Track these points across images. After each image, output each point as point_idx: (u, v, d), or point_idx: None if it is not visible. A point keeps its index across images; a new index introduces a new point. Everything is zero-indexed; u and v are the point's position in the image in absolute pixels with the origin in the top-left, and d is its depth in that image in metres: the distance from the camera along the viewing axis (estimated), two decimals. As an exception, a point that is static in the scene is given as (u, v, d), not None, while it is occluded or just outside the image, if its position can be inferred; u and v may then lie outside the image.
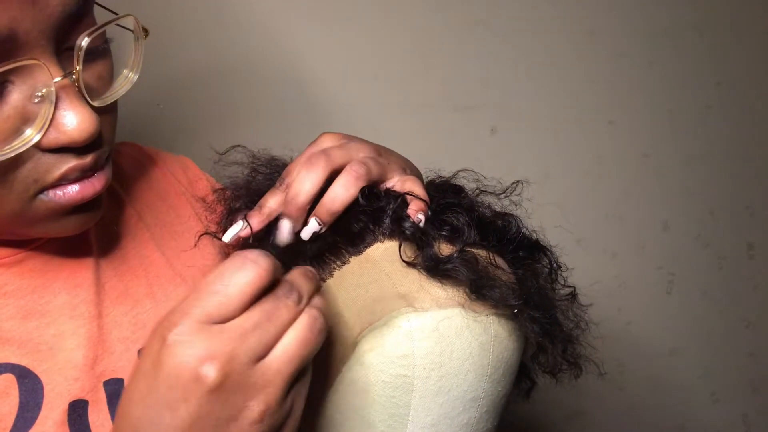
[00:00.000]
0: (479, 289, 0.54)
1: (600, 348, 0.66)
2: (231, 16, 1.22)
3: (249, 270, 0.43)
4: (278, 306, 0.44)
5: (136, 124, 1.19)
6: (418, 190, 0.58)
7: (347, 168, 0.56)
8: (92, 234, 0.62)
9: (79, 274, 0.60)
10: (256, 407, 0.42)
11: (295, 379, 0.45)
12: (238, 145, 0.66)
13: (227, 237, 0.58)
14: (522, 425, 1.40)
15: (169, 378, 0.41)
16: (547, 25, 1.40)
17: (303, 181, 0.56)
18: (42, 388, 0.54)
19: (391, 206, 0.57)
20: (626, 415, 1.57)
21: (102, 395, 0.57)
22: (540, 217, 0.65)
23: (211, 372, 0.41)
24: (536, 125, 1.43)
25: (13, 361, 0.54)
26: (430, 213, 0.58)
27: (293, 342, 0.44)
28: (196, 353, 0.41)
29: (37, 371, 0.54)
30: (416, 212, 0.56)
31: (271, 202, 0.58)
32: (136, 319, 0.62)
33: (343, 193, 0.56)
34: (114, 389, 0.58)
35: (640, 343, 1.53)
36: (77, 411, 0.55)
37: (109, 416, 0.56)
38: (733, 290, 1.59)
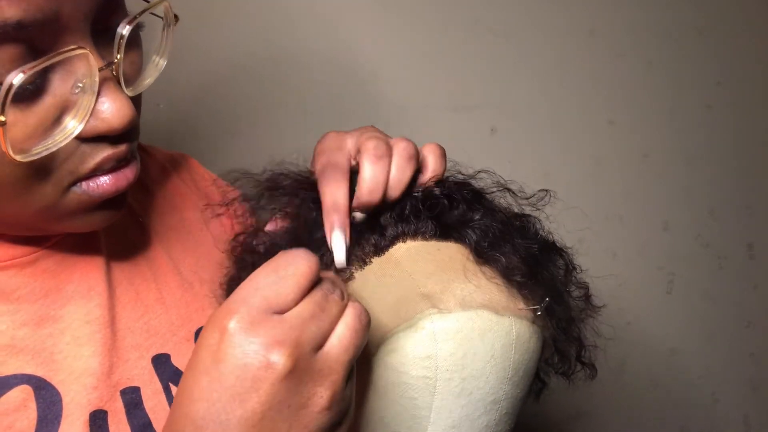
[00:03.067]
0: (485, 253, 0.54)
1: (600, 348, 0.66)
2: (231, 17, 1.21)
3: (303, 263, 0.44)
4: (327, 299, 0.45)
5: (136, 124, 1.18)
6: (439, 164, 0.58)
7: (398, 151, 0.56)
8: (101, 236, 0.61)
9: (91, 276, 0.58)
10: (324, 393, 0.42)
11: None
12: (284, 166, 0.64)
13: (341, 257, 0.55)
14: (523, 425, 1.39)
15: (236, 369, 0.40)
16: (547, 25, 1.40)
17: (381, 172, 0.54)
18: (60, 399, 0.52)
19: (412, 203, 0.56)
20: (626, 415, 1.57)
21: (120, 405, 0.55)
22: (539, 217, 0.64)
23: (280, 358, 0.40)
24: (536, 125, 1.43)
25: (29, 372, 0.51)
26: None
27: (346, 332, 0.44)
28: (263, 341, 0.41)
29: (54, 382, 0.52)
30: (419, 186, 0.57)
31: (341, 197, 0.55)
32: (148, 325, 0.60)
33: (402, 176, 0.55)
34: (131, 398, 0.56)
35: (640, 343, 1.54)
36: (97, 422, 0.53)
37: (128, 427, 0.54)
38: (733, 290, 1.60)
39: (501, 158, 1.38)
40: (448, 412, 0.53)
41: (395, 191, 0.55)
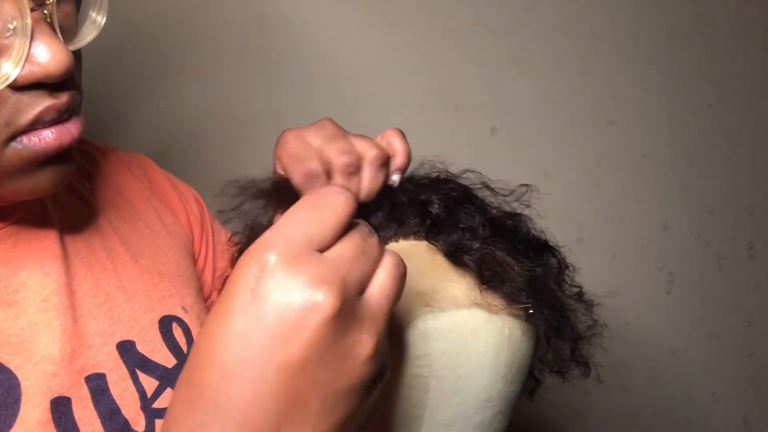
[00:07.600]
0: (491, 282, 0.54)
1: (600, 348, 0.66)
2: (232, 17, 1.22)
3: (342, 199, 0.40)
4: (367, 242, 0.41)
5: (137, 124, 1.19)
6: (405, 145, 0.60)
7: (370, 161, 0.58)
8: (55, 220, 0.59)
9: (46, 262, 0.56)
10: (369, 341, 0.38)
11: None
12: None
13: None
14: (523, 425, 1.39)
15: (277, 307, 0.36)
16: (547, 25, 1.40)
17: (353, 187, 0.57)
18: (18, 384, 0.50)
19: (408, 203, 0.57)
20: (626, 415, 1.57)
21: (85, 391, 0.53)
22: (540, 217, 0.65)
23: (327, 298, 0.36)
24: (536, 125, 1.43)
25: None
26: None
27: (387, 278, 0.41)
28: (307, 278, 0.36)
29: (11, 366, 0.50)
30: (397, 170, 0.60)
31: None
32: (111, 312, 0.59)
33: (374, 185, 0.58)
34: (96, 385, 0.54)
35: (640, 343, 1.53)
36: (60, 409, 0.51)
37: (95, 413, 0.53)
38: (733, 290, 1.59)
39: (501, 158, 1.38)
40: (442, 410, 0.54)
41: (368, 198, 0.58)
